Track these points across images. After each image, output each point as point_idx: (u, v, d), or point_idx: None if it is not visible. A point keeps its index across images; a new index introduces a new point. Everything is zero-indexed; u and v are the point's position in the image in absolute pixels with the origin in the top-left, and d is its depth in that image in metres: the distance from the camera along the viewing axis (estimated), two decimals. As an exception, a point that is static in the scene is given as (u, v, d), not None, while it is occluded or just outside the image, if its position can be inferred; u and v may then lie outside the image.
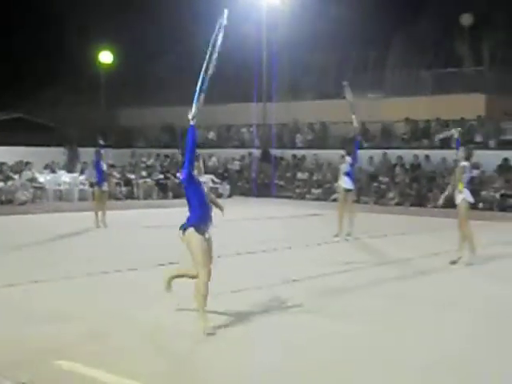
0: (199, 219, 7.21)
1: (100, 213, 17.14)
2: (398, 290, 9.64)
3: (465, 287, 10.16)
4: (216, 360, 6.37)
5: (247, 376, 5.99)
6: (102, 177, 17.48)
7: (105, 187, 17.53)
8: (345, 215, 15.24)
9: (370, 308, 8.42)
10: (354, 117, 15.42)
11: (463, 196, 11.61)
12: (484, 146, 26.36)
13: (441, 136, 14.32)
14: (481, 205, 23.36)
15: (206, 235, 7.24)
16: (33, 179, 24.71)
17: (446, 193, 12.05)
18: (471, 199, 11.72)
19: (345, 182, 15.24)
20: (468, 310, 8.49)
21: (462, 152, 12.04)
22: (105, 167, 17.80)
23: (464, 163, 11.80)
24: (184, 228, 7.24)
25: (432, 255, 12.82)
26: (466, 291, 9.81)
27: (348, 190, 15.27)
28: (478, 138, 26.82)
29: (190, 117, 7.36)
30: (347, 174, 15.23)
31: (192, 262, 7.27)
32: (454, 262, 11.64)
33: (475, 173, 24.15)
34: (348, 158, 15.29)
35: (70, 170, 27.15)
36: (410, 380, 5.93)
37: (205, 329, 7.01)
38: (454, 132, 13.14)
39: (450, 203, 12.25)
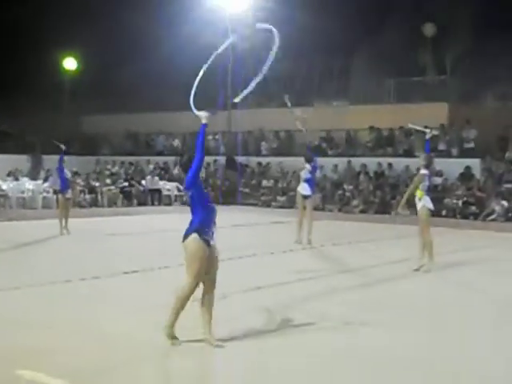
0: (203, 222, 6.96)
1: (63, 220, 17.09)
2: (360, 297, 9.74)
3: (425, 294, 10.30)
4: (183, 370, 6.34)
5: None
6: (65, 184, 17.43)
7: (68, 194, 17.48)
8: (304, 221, 15.40)
9: (332, 315, 8.48)
10: (297, 123, 15.77)
11: (423, 203, 11.76)
12: (447, 154, 26.70)
13: (415, 127, 14.37)
14: (444, 212, 23.67)
15: (211, 242, 7.03)
16: (-5, 187, 24.54)
17: (404, 200, 12.18)
18: (431, 206, 11.87)
19: (303, 189, 15.45)
20: (427, 317, 8.62)
21: (422, 160, 12.20)
22: (69, 174, 17.75)
23: (424, 171, 11.94)
24: (186, 234, 6.99)
25: (395, 262, 12.93)
26: (426, 298, 9.96)
27: (306, 197, 15.44)
28: (441, 147, 27.10)
29: (202, 115, 7.48)
30: (306, 180, 15.42)
31: (186, 269, 7.00)
32: (416, 270, 11.78)
33: (438, 180, 24.56)
34: (307, 166, 15.47)
35: (33, 178, 26.97)
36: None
37: (170, 336, 6.93)
38: (428, 132, 13.24)
39: (414, 210, 12.41)
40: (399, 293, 10.26)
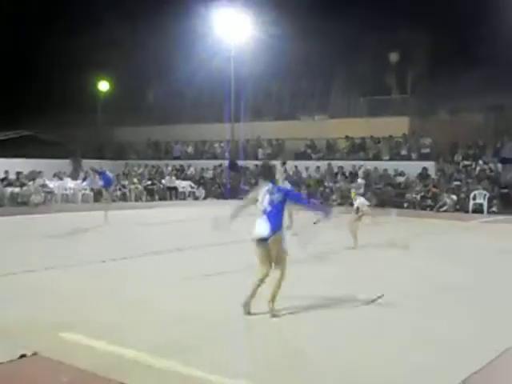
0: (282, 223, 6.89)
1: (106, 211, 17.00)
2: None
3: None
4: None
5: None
6: (109, 182, 17.64)
7: (111, 190, 17.73)
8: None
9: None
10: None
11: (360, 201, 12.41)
12: (408, 157, 26.91)
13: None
14: (405, 204, 23.86)
15: None
16: (44, 185, 24.61)
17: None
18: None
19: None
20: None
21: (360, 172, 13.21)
22: (111, 174, 17.97)
23: (359, 181, 13.06)
24: (275, 231, 6.67)
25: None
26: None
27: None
28: (403, 152, 27.34)
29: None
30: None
31: (278, 259, 6.76)
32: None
33: (401, 179, 24.80)
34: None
35: (74, 178, 27.01)
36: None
37: (273, 311, 6.76)
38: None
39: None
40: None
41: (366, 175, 13.17)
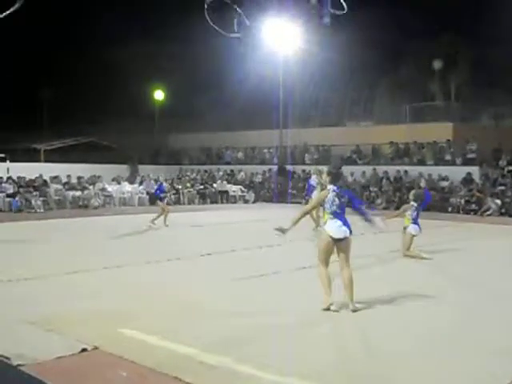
0: None
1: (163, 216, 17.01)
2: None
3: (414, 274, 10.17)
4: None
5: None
6: (163, 191, 17.62)
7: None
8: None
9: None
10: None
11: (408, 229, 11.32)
12: (452, 163, 26.37)
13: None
14: (449, 209, 23.39)
15: None
16: (103, 189, 25.05)
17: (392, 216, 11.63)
18: (414, 232, 11.31)
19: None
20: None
21: (411, 195, 11.65)
22: (165, 184, 18.32)
23: (413, 202, 11.41)
24: (351, 233, 7.00)
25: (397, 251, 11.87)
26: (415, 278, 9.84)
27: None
28: (447, 157, 26.79)
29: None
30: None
31: (348, 257, 7.02)
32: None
33: (445, 183, 24.29)
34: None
35: (131, 182, 27.40)
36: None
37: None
38: None
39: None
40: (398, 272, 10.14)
41: (417, 196, 11.89)
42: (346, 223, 6.94)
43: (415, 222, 11.36)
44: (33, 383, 4.79)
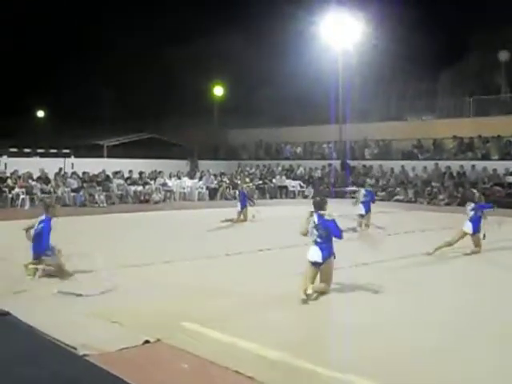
0: None
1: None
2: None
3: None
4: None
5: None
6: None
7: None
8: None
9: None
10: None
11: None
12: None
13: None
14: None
15: None
16: (164, 184, 25.39)
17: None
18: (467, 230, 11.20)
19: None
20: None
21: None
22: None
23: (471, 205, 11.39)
24: (331, 254, 7.52)
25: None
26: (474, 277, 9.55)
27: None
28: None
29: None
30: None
31: (327, 277, 7.52)
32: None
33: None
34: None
35: (191, 177, 27.67)
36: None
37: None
38: None
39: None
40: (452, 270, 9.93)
41: (478, 197, 11.78)
42: (324, 250, 7.41)
43: (472, 220, 11.22)
44: (98, 373, 4.95)
